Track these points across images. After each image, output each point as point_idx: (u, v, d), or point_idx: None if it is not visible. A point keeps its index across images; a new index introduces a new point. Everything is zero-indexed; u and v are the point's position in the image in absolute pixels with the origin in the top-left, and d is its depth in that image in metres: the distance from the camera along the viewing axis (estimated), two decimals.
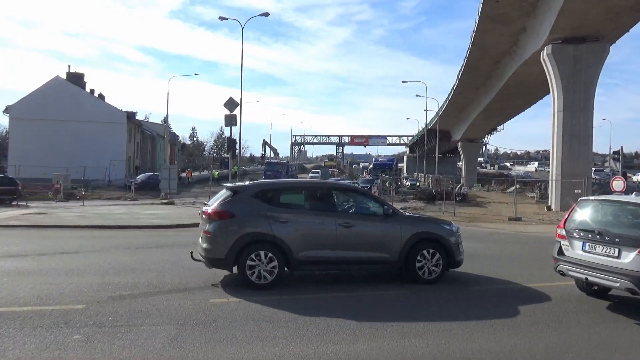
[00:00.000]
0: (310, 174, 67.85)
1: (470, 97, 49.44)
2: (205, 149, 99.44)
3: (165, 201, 27.31)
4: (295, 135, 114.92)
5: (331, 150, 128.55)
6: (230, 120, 19.63)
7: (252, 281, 6.85)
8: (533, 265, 9.88)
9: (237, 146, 28.54)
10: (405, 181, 58.12)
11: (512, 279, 8.19)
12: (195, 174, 57.69)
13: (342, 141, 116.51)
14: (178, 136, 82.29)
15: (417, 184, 55.99)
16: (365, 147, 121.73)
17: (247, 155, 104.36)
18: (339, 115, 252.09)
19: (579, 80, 25.45)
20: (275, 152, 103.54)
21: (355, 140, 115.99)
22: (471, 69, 39.50)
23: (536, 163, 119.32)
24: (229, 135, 21.45)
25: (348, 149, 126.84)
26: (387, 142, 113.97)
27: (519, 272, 8.98)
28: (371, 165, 70.70)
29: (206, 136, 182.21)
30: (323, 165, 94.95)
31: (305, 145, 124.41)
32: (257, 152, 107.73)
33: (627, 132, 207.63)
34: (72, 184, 34.99)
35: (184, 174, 52.13)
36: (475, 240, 14.84)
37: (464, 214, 25.46)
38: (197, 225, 16.79)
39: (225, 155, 52.81)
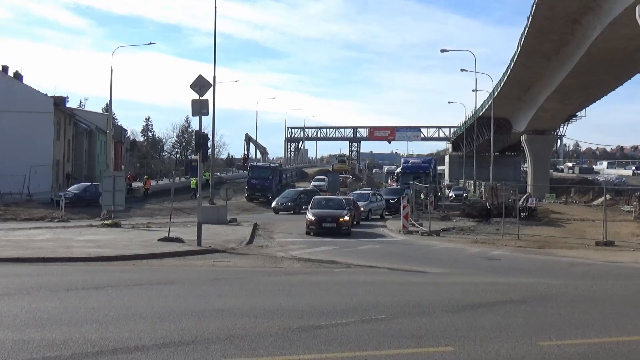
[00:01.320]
0: (313, 183, 66.87)
1: (538, 71, 49.52)
2: (165, 148, 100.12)
3: (108, 222, 27.40)
4: (292, 128, 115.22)
5: (342, 148, 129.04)
6: (199, 108, 19.68)
7: None
8: (633, 313, 9.80)
9: (210, 144, 28.65)
10: (447, 191, 58.24)
11: (606, 333, 8.14)
12: (152, 183, 57.83)
13: (358, 135, 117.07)
14: (126, 130, 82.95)
15: (465, 194, 56.10)
16: (390, 143, 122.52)
17: (224, 156, 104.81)
18: (353, 99, 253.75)
19: None
20: (263, 151, 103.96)
21: (376, 133, 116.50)
22: (539, 32, 39.56)
23: (605, 163, 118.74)
24: (197, 129, 21.47)
25: (366, 146, 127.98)
26: (421, 136, 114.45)
27: (616, 322, 8.93)
28: (399, 169, 70.79)
29: (166, 130, 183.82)
30: (331, 169, 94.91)
31: (306, 142, 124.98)
32: (238, 151, 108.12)
33: None
34: None
35: (138, 184, 52.28)
36: (549, 275, 14.74)
37: (532, 236, 25.37)
38: (153, 256, 16.91)
39: (193, 156, 52.79)
